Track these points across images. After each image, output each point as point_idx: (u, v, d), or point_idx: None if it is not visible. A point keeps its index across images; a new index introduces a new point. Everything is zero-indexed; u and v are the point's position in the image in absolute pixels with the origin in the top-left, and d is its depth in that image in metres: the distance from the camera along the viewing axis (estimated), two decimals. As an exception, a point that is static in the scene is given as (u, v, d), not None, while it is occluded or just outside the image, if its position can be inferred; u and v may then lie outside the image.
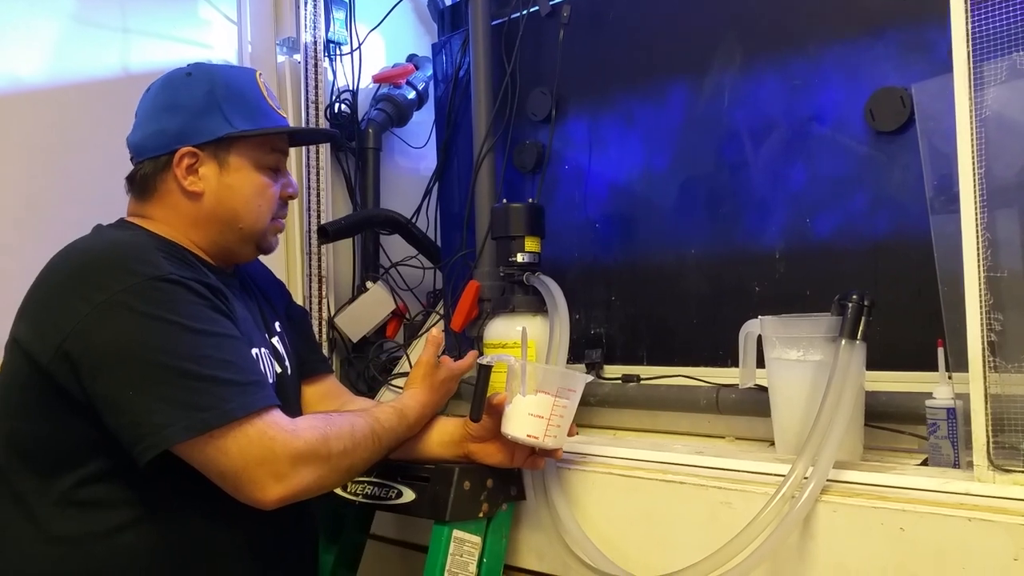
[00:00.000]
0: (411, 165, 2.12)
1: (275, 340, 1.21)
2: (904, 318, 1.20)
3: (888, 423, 1.17)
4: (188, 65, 1.17)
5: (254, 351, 1.09)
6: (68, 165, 1.56)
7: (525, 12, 1.69)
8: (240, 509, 0.97)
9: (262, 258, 1.28)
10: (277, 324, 1.24)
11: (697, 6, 1.48)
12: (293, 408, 1.19)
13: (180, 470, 0.96)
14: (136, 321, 0.95)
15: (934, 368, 1.08)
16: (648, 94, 1.54)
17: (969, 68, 0.88)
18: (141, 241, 1.06)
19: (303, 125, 1.79)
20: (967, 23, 0.88)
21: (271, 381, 1.10)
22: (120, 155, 1.17)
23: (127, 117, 1.18)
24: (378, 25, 2.02)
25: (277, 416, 0.99)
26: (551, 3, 1.67)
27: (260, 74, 1.20)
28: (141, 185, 1.14)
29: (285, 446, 0.96)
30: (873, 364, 1.12)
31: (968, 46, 0.88)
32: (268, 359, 1.14)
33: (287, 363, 1.21)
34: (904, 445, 1.17)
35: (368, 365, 1.83)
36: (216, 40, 1.82)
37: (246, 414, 0.95)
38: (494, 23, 1.72)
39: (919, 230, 1.13)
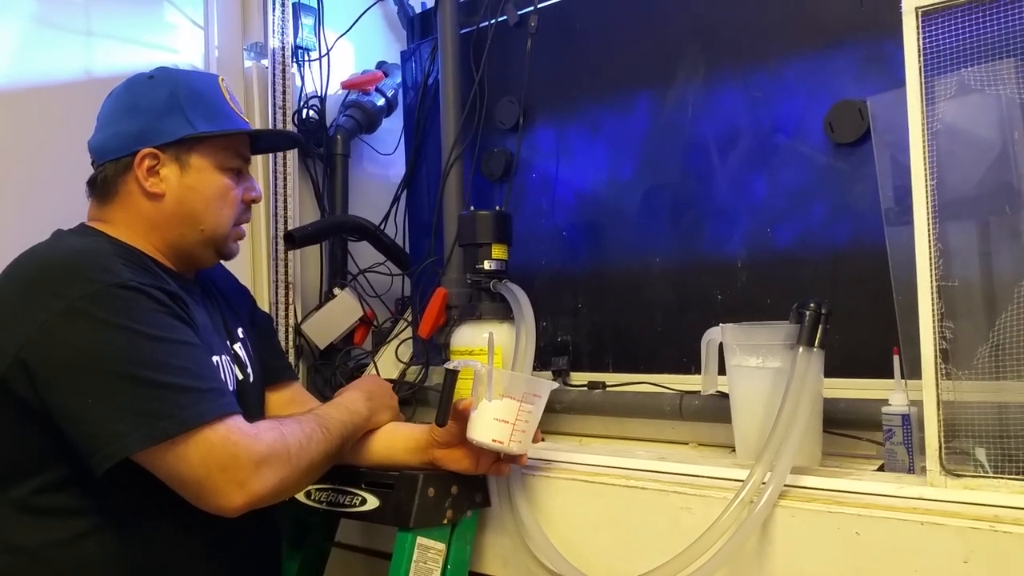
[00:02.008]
0: (380, 172, 2.12)
1: (237, 346, 1.20)
2: (862, 326, 1.22)
3: (846, 429, 1.19)
4: (151, 70, 1.17)
5: (214, 358, 1.08)
6: (28, 169, 1.54)
7: (494, 21, 1.70)
8: (201, 517, 0.96)
9: (229, 264, 1.28)
10: (240, 330, 1.24)
11: (662, 19, 1.50)
12: (255, 415, 1.18)
13: (140, 478, 0.95)
14: (95, 328, 0.94)
15: (892, 375, 1.10)
16: (614, 104, 1.56)
17: (921, 83, 0.90)
18: (100, 247, 1.05)
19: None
20: (919, 40, 0.90)
21: (232, 388, 1.10)
22: (81, 159, 1.16)
23: (89, 121, 1.17)
24: (347, 31, 2.02)
25: (239, 422, 0.98)
26: (519, 13, 1.68)
27: (223, 79, 1.20)
28: (102, 188, 1.13)
29: (248, 451, 0.96)
30: (833, 371, 1.15)
31: (920, 62, 0.90)
32: (229, 366, 1.13)
33: (249, 369, 1.20)
34: (862, 451, 1.19)
35: (335, 372, 1.83)
36: (182, 44, 1.81)
37: (205, 421, 0.94)
38: (463, 32, 1.73)
39: (877, 240, 1.16)
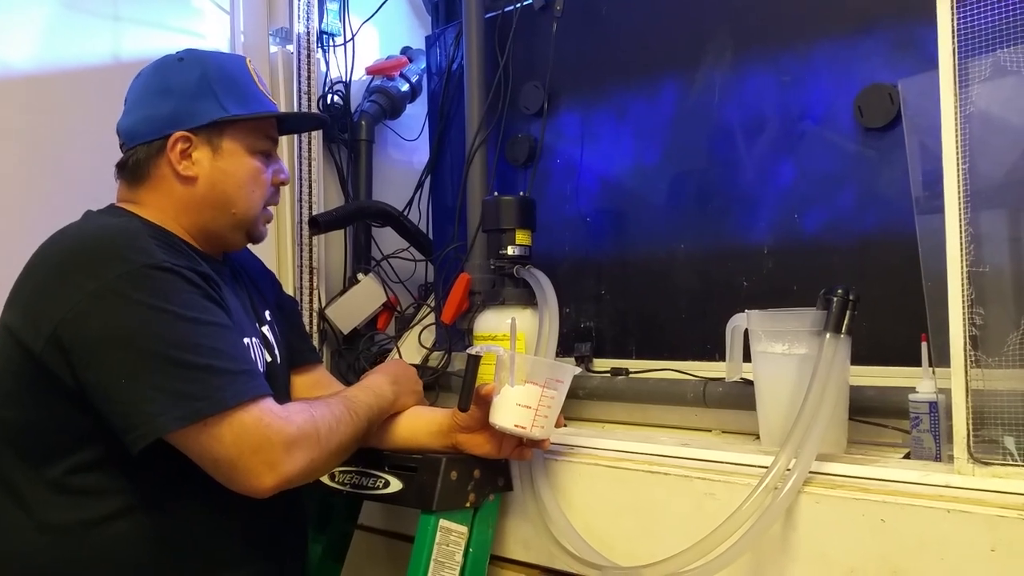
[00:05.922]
0: (404, 157, 2.13)
1: (265, 329, 1.21)
2: (891, 313, 1.21)
3: (873, 417, 1.18)
4: (180, 51, 1.17)
5: (245, 340, 1.09)
6: (57, 152, 1.56)
7: (519, 5, 1.69)
8: (232, 498, 0.97)
9: (254, 248, 1.28)
10: (267, 313, 1.25)
11: (689, 1, 1.49)
12: (282, 397, 1.19)
13: (173, 459, 0.97)
14: (129, 309, 0.95)
15: (920, 363, 1.08)
16: (640, 89, 1.55)
17: (954, 65, 0.89)
18: (133, 227, 1.05)
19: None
20: (952, 20, 0.89)
21: (262, 370, 1.11)
22: (110, 142, 1.17)
23: (117, 105, 1.17)
24: (372, 16, 2.02)
25: (270, 403, 0.99)
26: (544, -3, 1.67)
27: (250, 60, 1.20)
28: (133, 171, 1.13)
29: (279, 432, 0.97)
30: (860, 359, 1.13)
31: (953, 43, 0.88)
32: (259, 348, 1.14)
33: (277, 352, 1.21)
34: (888, 439, 1.18)
35: (358, 357, 1.84)
36: (208, 29, 1.82)
37: (239, 402, 0.95)
38: (487, 16, 1.73)
39: (906, 226, 1.14)
